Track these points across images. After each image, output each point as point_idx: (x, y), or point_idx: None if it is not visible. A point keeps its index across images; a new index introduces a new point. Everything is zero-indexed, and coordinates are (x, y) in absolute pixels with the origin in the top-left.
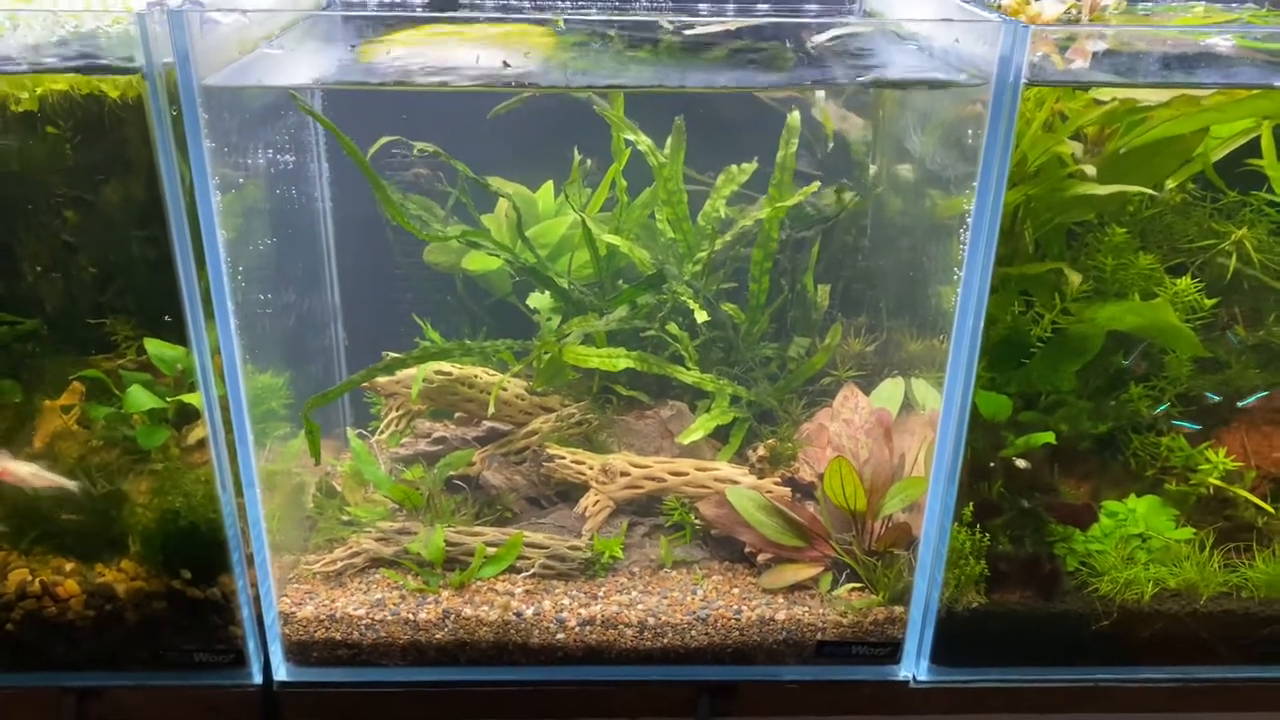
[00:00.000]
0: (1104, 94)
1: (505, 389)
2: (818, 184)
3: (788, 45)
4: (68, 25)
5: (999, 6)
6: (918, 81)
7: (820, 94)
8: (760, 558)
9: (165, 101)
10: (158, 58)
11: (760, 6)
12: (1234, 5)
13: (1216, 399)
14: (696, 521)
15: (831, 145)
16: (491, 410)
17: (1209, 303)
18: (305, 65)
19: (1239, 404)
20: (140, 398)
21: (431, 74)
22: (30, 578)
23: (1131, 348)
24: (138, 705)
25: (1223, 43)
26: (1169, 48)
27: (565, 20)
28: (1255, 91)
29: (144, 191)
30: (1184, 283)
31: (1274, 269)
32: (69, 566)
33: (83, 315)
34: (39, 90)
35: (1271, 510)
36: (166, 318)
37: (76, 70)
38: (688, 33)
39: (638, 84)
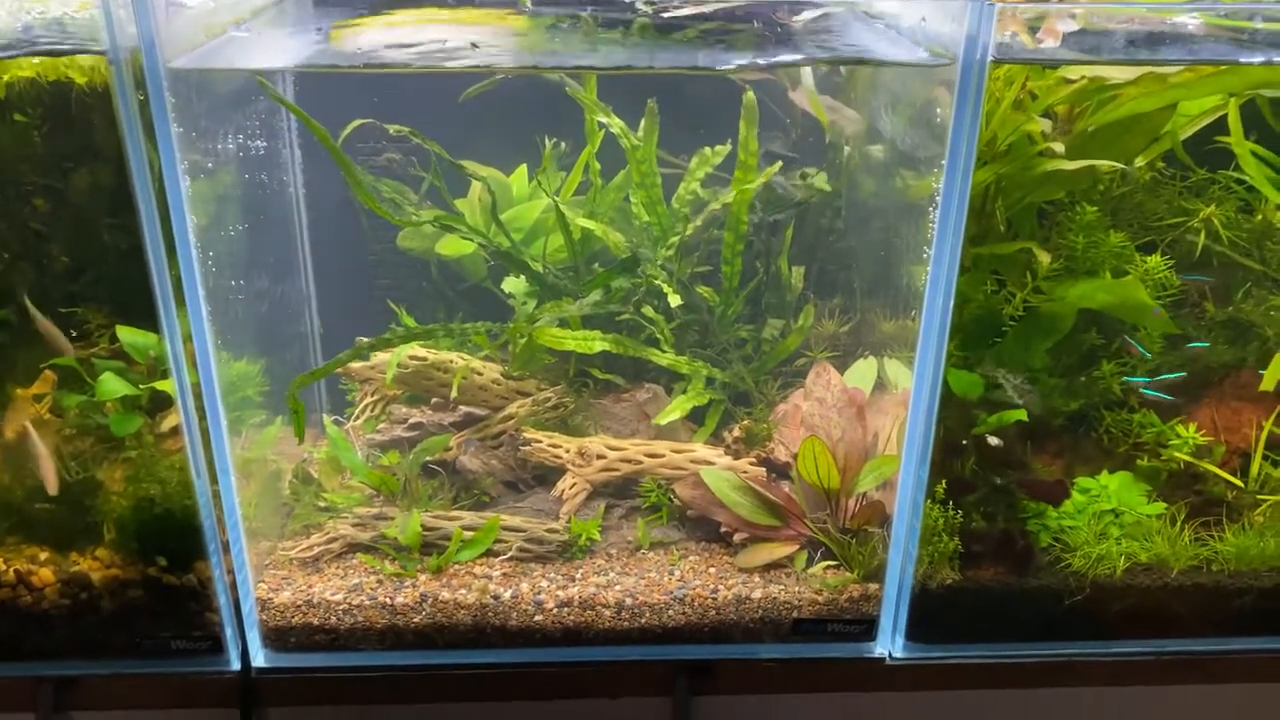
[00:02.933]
0: (1073, 72)
1: (481, 374)
2: (780, 164)
3: (758, 25)
4: (33, 11)
5: None
6: (885, 61)
7: (807, 75)
8: (736, 537)
9: (131, 86)
10: (123, 41)
11: None
12: None
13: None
14: (674, 502)
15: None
16: (454, 395)
17: (1178, 280)
18: (274, 49)
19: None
20: (113, 384)
21: (401, 56)
22: (4, 567)
23: (1104, 326)
24: (116, 694)
25: (1191, 21)
26: (1138, 26)
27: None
28: (1222, 68)
29: (113, 179)
30: (1154, 260)
31: (1242, 245)
32: (43, 555)
33: (54, 304)
34: (5, 77)
35: (1241, 484)
36: (137, 305)
37: (42, 54)
38: (661, 15)
39: (607, 65)
